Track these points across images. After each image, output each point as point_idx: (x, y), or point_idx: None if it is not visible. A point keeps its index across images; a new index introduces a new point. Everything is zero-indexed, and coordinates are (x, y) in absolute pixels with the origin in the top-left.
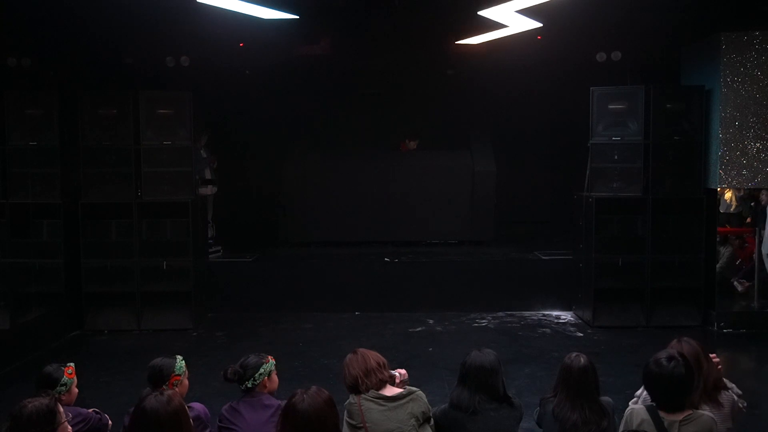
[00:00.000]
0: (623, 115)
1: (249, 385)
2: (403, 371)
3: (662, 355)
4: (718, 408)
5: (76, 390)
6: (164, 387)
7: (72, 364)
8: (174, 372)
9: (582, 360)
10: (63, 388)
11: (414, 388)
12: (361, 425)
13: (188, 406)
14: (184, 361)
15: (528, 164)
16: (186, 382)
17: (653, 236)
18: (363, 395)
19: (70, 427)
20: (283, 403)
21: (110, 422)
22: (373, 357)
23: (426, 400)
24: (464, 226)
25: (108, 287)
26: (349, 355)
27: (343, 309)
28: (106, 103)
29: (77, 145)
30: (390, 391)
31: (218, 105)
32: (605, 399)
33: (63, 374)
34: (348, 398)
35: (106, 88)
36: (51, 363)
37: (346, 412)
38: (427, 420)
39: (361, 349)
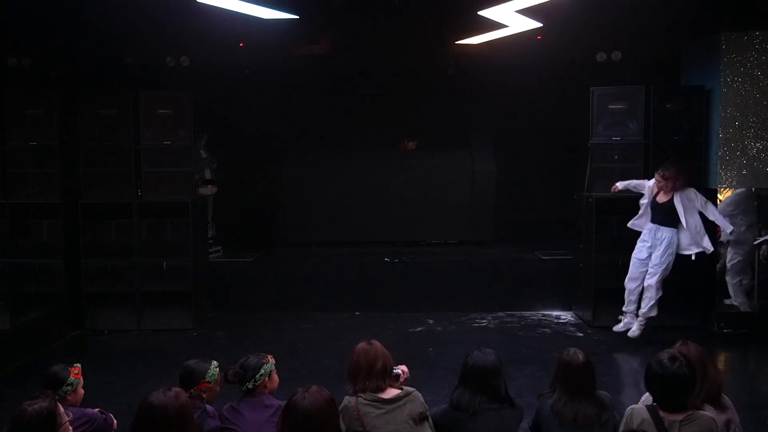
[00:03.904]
0: (623, 115)
1: (250, 386)
2: (405, 368)
3: (664, 355)
4: (722, 410)
5: (83, 390)
6: (191, 391)
7: (78, 365)
8: (204, 379)
9: (580, 356)
10: (69, 387)
11: (410, 389)
12: (360, 429)
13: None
14: (218, 368)
15: (528, 164)
16: (216, 389)
17: None
18: (360, 398)
19: (71, 427)
20: (284, 403)
21: (115, 422)
22: (383, 358)
23: (423, 399)
24: (464, 226)
25: (108, 287)
26: (364, 345)
27: (343, 309)
28: (106, 103)
29: (77, 145)
30: (387, 393)
31: (218, 105)
32: (602, 393)
33: (69, 374)
34: (344, 400)
35: (106, 88)
36: (58, 363)
37: (343, 415)
38: (424, 419)
39: (376, 343)
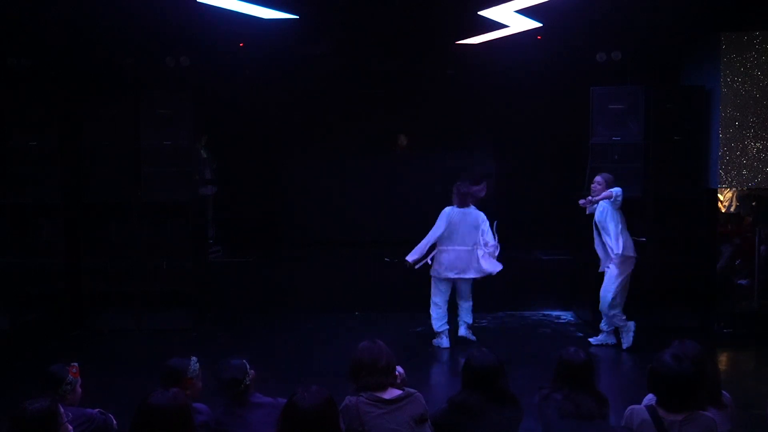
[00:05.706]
0: (623, 115)
1: (242, 388)
2: (401, 370)
3: (667, 355)
4: (722, 409)
5: (80, 390)
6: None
7: (76, 364)
8: (187, 375)
9: (582, 354)
10: (68, 387)
11: (412, 390)
12: (361, 429)
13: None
14: (198, 364)
15: (528, 164)
16: (199, 384)
17: (653, 236)
18: (361, 398)
19: (70, 426)
20: (277, 400)
21: (115, 422)
22: (386, 357)
23: (424, 401)
24: None
25: (108, 287)
26: (367, 343)
27: (343, 309)
28: (106, 103)
29: (77, 145)
30: (389, 393)
31: (218, 105)
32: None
33: (68, 373)
34: (345, 400)
35: (106, 88)
36: (56, 362)
37: (343, 415)
38: (425, 421)
39: (379, 342)
